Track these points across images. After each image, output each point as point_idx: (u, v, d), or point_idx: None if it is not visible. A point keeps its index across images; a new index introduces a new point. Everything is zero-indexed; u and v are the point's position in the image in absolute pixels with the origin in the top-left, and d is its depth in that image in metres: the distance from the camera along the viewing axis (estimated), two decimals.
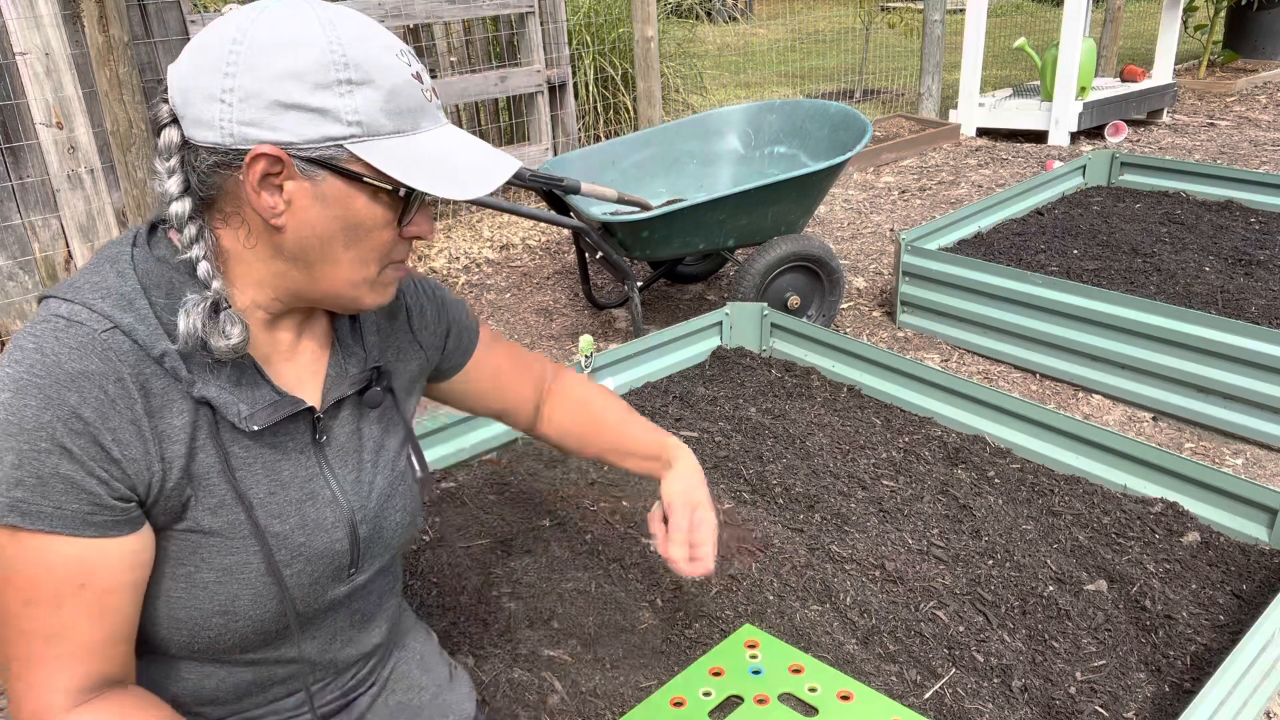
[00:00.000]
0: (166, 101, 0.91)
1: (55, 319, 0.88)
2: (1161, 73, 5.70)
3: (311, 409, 1.01)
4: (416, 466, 1.15)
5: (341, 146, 0.89)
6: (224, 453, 0.94)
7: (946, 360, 2.87)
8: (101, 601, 0.90)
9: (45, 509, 0.86)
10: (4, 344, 3.11)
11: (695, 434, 2.26)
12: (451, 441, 2.15)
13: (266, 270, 0.95)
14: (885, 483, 2.04)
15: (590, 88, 4.83)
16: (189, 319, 0.90)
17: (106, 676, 0.93)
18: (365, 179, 0.90)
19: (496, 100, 4.63)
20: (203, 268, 0.92)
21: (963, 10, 8.53)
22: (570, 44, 4.65)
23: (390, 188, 0.91)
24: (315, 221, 0.92)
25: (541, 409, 1.42)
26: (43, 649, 0.89)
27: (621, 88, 4.91)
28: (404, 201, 0.93)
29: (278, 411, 0.97)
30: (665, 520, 1.36)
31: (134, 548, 0.91)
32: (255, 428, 0.95)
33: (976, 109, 5.54)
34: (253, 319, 0.98)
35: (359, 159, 0.89)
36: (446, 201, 4.38)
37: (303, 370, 1.04)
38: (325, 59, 0.87)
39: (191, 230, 0.92)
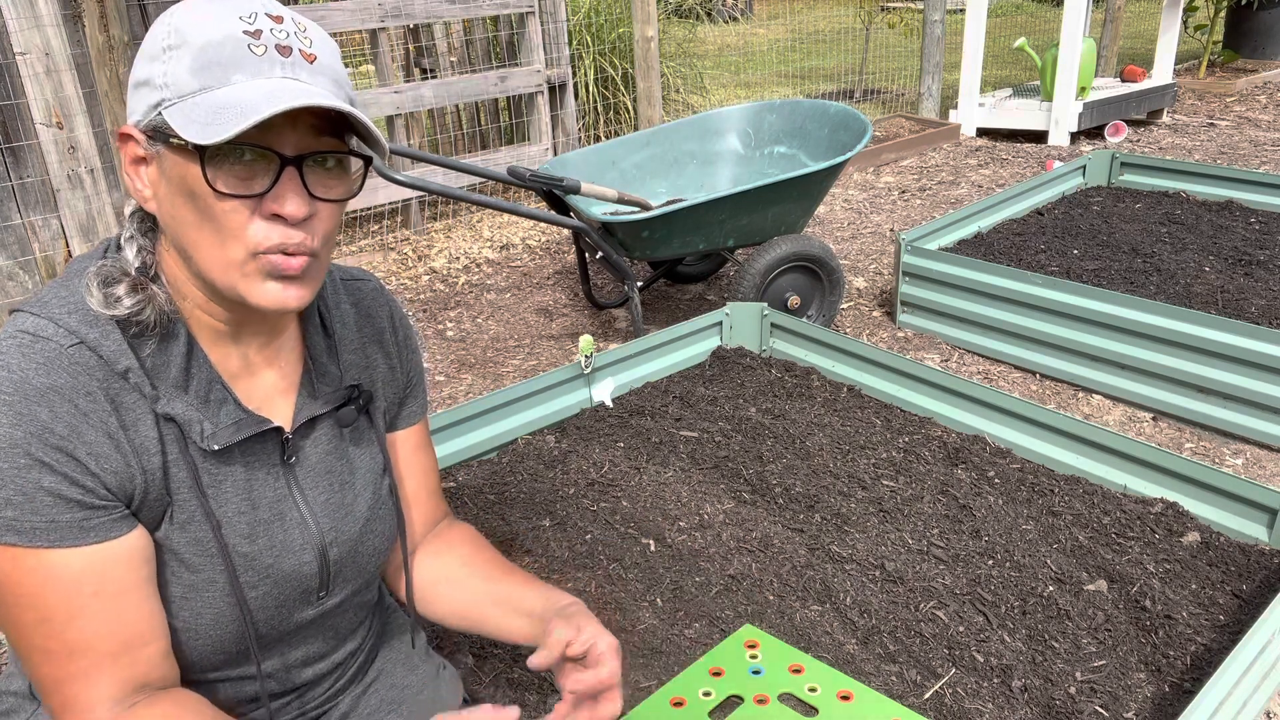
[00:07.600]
0: None
1: (21, 335, 0.87)
2: (1161, 73, 5.69)
3: (280, 429, 0.99)
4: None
5: (160, 114, 0.85)
6: (194, 469, 0.93)
7: (946, 360, 2.87)
8: (119, 605, 0.88)
9: (39, 524, 0.84)
10: None
11: (695, 434, 2.26)
12: (451, 441, 2.15)
13: (176, 264, 0.93)
14: (885, 483, 2.04)
15: (590, 88, 4.83)
16: (88, 288, 0.89)
17: (143, 682, 0.90)
18: (173, 140, 0.85)
19: (496, 100, 4.63)
20: (124, 239, 0.93)
21: (963, 10, 8.52)
22: (570, 44, 4.64)
23: (189, 146, 0.84)
24: (166, 199, 0.89)
25: (432, 537, 1.24)
26: (67, 665, 0.87)
27: (621, 88, 4.91)
28: (201, 161, 0.85)
29: (240, 432, 0.95)
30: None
31: (139, 544, 0.90)
32: (215, 447, 0.93)
33: (976, 109, 5.54)
34: (204, 330, 0.95)
35: (169, 123, 0.84)
36: (444, 201, 4.38)
37: (273, 389, 1.01)
38: (160, 30, 0.86)
39: (131, 226, 0.93)
